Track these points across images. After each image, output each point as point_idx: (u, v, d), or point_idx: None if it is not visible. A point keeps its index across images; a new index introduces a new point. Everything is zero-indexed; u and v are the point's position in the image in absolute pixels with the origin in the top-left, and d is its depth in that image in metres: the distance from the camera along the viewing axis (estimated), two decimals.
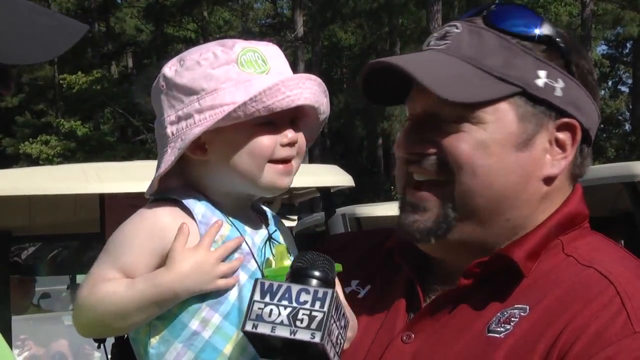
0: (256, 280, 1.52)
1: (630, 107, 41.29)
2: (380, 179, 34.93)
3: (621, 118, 43.61)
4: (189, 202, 1.69)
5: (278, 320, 1.47)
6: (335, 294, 1.48)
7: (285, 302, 1.47)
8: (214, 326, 1.65)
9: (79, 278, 8.81)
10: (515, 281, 1.61)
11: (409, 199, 1.68)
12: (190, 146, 1.69)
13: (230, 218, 1.71)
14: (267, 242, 1.74)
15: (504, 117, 1.61)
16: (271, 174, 1.70)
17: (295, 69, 1.77)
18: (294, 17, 33.52)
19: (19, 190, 4.59)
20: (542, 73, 1.62)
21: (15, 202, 4.87)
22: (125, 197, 4.51)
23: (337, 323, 1.49)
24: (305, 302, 1.47)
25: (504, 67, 1.61)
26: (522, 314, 1.56)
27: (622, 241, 6.01)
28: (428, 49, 1.69)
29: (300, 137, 1.73)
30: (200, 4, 35.18)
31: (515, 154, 1.62)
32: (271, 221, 1.81)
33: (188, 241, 1.65)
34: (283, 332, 1.46)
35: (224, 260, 1.66)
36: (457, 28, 1.67)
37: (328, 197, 5.42)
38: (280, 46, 1.80)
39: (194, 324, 1.65)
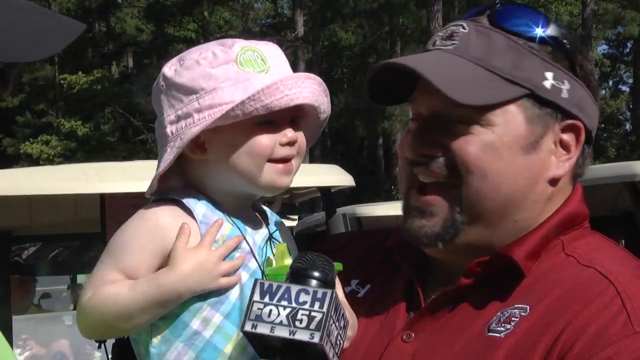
0: (256, 280, 1.52)
1: (631, 106, 41.29)
2: (381, 178, 34.92)
3: (622, 118, 43.60)
4: (190, 202, 1.69)
5: (277, 321, 1.47)
6: (334, 295, 1.48)
7: (284, 303, 1.47)
8: (215, 326, 1.65)
9: (80, 278, 8.83)
10: (515, 281, 1.61)
11: (414, 203, 1.67)
12: (189, 145, 1.69)
13: (231, 217, 1.71)
14: (268, 242, 1.74)
15: (512, 119, 1.61)
16: (270, 173, 1.70)
17: (295, 68, 1.76)
18: (294, 17, 33.52)
19: (19, 190, 4.60)
20: (549, 75, 1.61)
21: (15, 202, 4.88)
22: (125, 197, 4.52)
23: (337, 324, 1.49)
24: (305, 303, 1.47)
25: (513, 68, 1.60)
26: (523, 313, 1.56)
27: (623, 241, 6.02)
28: (434, 49, 1.68)
29: (300, 137, 1.73)
30: (200, 3, 35.16)
31: (523, 157, 1.62)
32: (272, 221, 1.81)
33: (189, 241, 1.65)
34: (282, 333, 1.46)
35: (225, 259, 1.66)
36: (463, 28, 1.65)
37: (329, 197, 5.42)
38: (280, 46, 1.80)
39: (195, 324, 1.65)
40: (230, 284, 1.66)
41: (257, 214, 1.81)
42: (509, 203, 1.62)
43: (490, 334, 1.56)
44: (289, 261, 1.65)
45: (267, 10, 43.86)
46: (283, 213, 7.70)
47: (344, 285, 1.71)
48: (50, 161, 30.98)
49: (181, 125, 1.69)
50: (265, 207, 1.84)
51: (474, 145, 1.60)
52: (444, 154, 1.62)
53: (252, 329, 1.48)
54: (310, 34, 33.63)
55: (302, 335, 1.45)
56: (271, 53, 1.72)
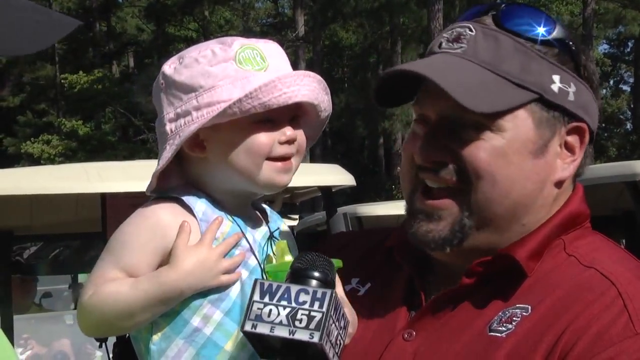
0: (255, 280, 1.52)
1: (632, 106, 41.28)
2: (382, 178, 34.94)
3: (622, 117, 43.58)
4: (190, 200, 1.69)
5: (277, 321, 1.47)
6: (334, 295, 1.48)
7: (284, 302, 1.47)
8: (215, 323, 1.65)
9: (81, 277, 8.83)
10: (517, 281, 1.61)
11: (420, 207, 1.66)
12: (188, 143, 1.69)
13: (231, 215, 1.71)
14: (268, 240, 1.74)
15: (522, 124, 1.60)
16: (269, 172, 1.69)
17: (296, 68, 1.76)
18: (295, 17, 33.52)
19: (20, 190, 4.60)
20: (556, 78, 1.61)
21: (16, 201, 4.88)
22: (126, 196, 4.52)
23: (337, 323, 1.49)
24: (304, 303, 1.47)
25: (521, 72, 1.59)
26: (524, 313, 1.56)
27: (624, 240, 6.02)
28: (441, 52, 1.66)
29: (300, 135, 1.72)
30: (201, 3, 35.18)
31: (532, 161, 1.61)
32: (272, 219, 1.81)
33: (190, 239, 1.65)
34: (282, 332, 1.46)
35: (225, 256, 1.66)
36: (470, 30, 1.63)
37: (329, 197, 5.42)
38: (281, 45, 1.79)
39: (196, 321, 1.65)
40: (231, 281, 1.66)
41: (257, 212, 1.80)
42: (517, 207, 1.62)
43: (492, 333, 1.56)
44: (289, 258, 1.65)
45: (268, 10, 43.86)
46: (284, 212, 7.70)
47: (344, 284, 1.71)
48: (51, 161, 31.01)
49: (180, 123, 1.69)
50: (265, 206, 1.84)
51: (484, 151, 1.59)
52: (453, 160, 1.61)
53: (252, 328, 1.48)
54: (310, 34, 33.65)
55: (302, 335, 1.45)
56: (271, 51, 1.71)
